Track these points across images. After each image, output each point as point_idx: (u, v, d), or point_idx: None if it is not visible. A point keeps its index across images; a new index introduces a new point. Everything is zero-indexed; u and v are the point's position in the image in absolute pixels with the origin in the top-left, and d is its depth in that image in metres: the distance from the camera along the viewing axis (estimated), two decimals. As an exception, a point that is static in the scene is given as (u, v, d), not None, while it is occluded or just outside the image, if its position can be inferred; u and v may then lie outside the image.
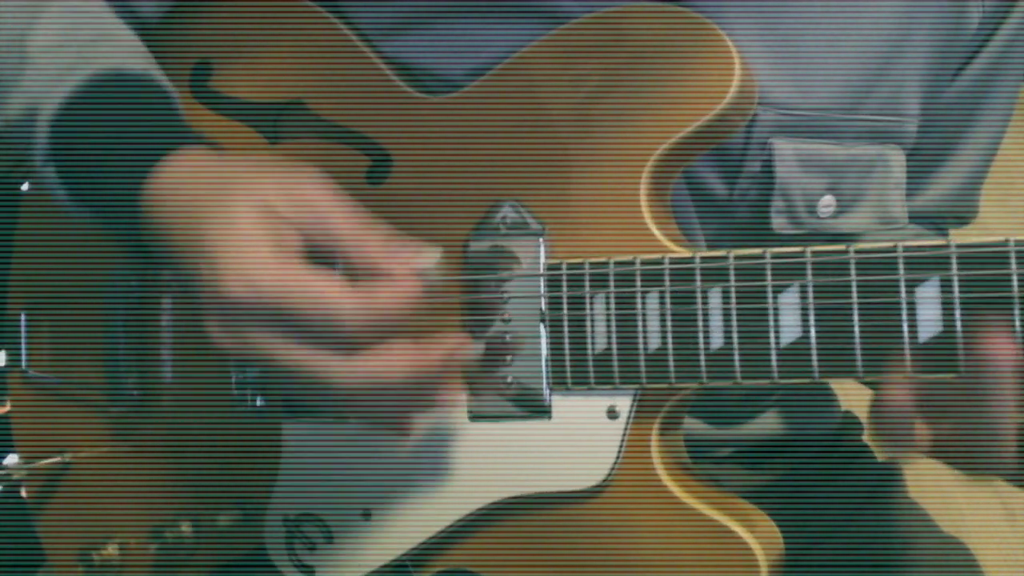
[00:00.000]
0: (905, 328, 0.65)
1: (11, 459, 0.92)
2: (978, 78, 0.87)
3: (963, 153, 0.91)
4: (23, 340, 0.94)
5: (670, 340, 0.71)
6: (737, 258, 0.69)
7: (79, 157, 0.76)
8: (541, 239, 0.75)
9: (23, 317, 0.94)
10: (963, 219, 0.97)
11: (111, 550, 0.89)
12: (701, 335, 0.70)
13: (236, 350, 0.68)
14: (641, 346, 0.72)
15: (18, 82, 0.77)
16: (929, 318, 0.65)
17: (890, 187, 0.85)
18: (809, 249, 0.68)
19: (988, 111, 0.89)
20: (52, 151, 0.76)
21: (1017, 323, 0.63)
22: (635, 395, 0.73)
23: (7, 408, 0.95)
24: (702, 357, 0.70)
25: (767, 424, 0.97)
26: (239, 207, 0.67)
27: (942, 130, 0.88)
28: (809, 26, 0.80)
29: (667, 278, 0.71)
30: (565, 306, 0.74)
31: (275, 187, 0.68)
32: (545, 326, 0.75)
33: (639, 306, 0.72)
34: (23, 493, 0.93)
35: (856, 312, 0.66)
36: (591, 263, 0.73)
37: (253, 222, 0.67)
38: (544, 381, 0.75)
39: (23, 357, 0.94)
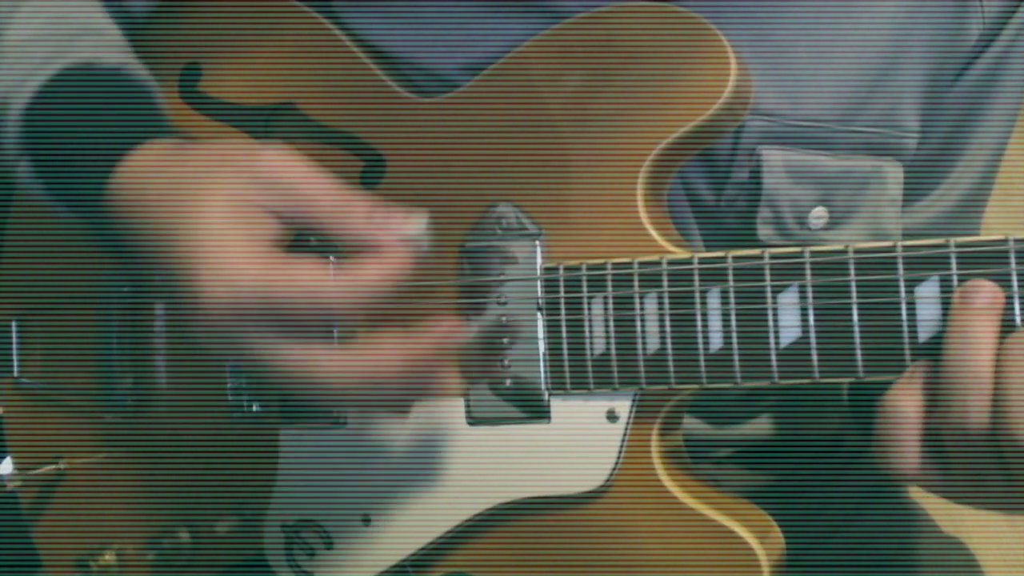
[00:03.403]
0: (905, 327, 0.65)
1: (5, 466, 0.92)
2: (973, 89, 0.85)
3: (962, 168, 0.89)
4: (14, 347, 0.93)
5: (669, 342, 0.71)
6: (735, 259, 0.69)
7: (51, 150, 0.74)
8: (537, 241, 0.75)
9: (14, 325, 0.93)
10: None
11: (108, 558, 0.88)
12: (700, 337, 0.70)
13: (224, 352, 0.65)
14: (640, 348, 0.71)
15: None
16: (929, 317, 0.65)
17: (884, 203, 0.83)
18: (808, 249, 0.67)
19: (985, 123, 0.87)
20: (25, 145, 0.75)
21: (1017, 320, 0.63)
22: (634, 397, 0.73)
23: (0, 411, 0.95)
24: (701, 359, 0.70)
25: (766, 424, 0.97)
26: (207, 200, 0.64)
27: (939, 142, 0.86)
28: (802, 34, 0.79)
29: (665, 280, 0.71)
30: (563, 308, 0.74)
31: (244, 172, 0.64)
32: (543, 329, 0.74)
33: (637, 308, 0.71)
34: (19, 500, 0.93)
35: (856, 312, 0.66)
36: (588, 265, 0.73)
37: (224, 215, 0.63)
38: (543, 384, 0.75)
39: (15, 364, 0.93)
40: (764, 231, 0.81)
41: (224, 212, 0.63)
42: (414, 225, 0.64)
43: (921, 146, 0.84)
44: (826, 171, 0.81)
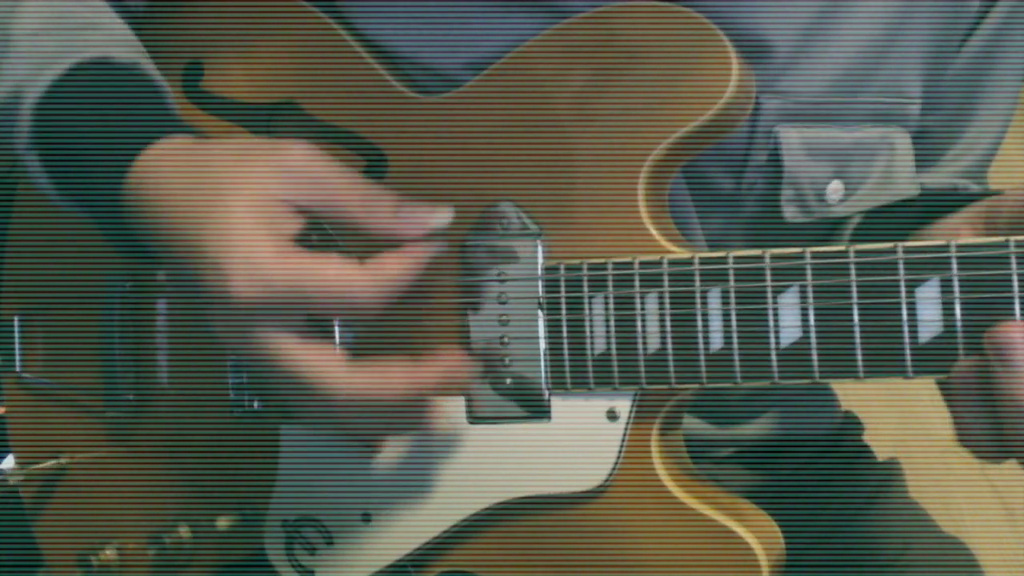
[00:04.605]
0: (905, 329, 0.65)
1: (7, 462, 0.92)
2: (979, 53, 0.86)
3: (972, 131, 0.90)
4: (17, 343, 0.93)
5: (669, 342, 0.71)
6: (736, 259, 0.69)
7: (63, 146, 0.74)
8: (539, 240, 0.75)
9: (16, 321, 0.93)
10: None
11: (109, 554, 0.88)
12: (701, 336, 0.70)
13: (240, 349, 0.66)
14: (640, 348, 0.71)
15: (2, 64, 0.75)
16: (929, 318, 0.65)
17: (897, 168, 0.84)
18: (809, 250, 0.67)
19: (993, 85, 0.88)
20: (35, 139, 0.74)
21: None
22: (635, 396, 0.73)
23: (2, 410, 0.95)
24: (702, 358, 0.70)
25: (767, 424, 0.97)
26: (231, 197, 0.65)
27: (948, 107, 0.87)
28: (813, 8, 0.79)
29: (666, 279, 0.71)
30: (563, 308, 0.74)
31: (268, 167, 0.66)
32: (543, 328, 0.74)
33: (638, 307, 0.71)
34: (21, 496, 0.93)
35: (856, 313, 0.66)
36: (589, 264, 0.73)
37: (250, 211, 0.64)
38: (543, 383, 0.75)
39: (17, 360, 0.93)
40: (789, 210, 0.82)
41: (250, 208, 0.64)
42: (440, 218, 0.68)
43: (929, 109, 0.85)
44: (839, 144, 0.81)
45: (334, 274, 0.64)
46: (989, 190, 0.93)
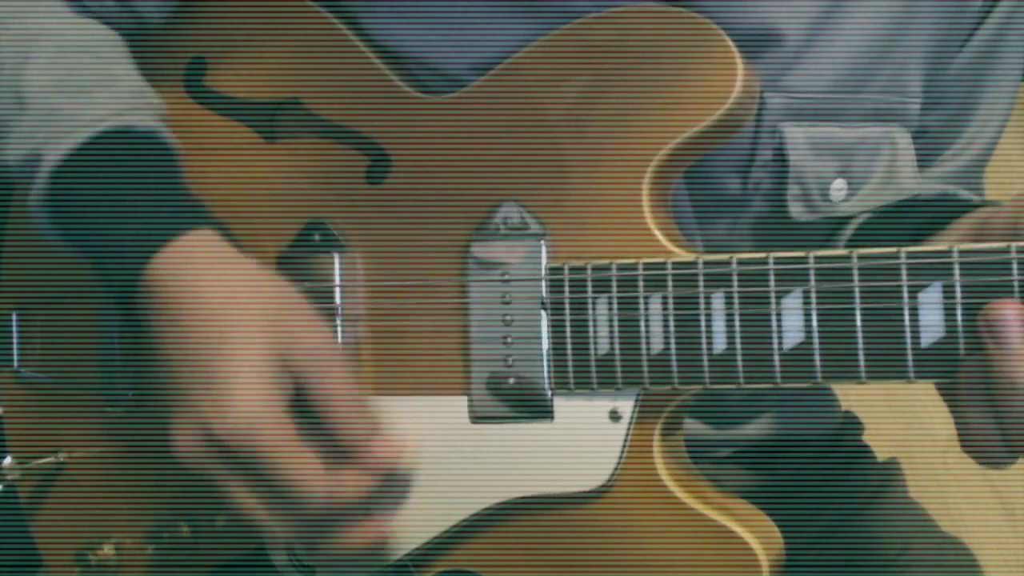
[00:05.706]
0: (907, 333, 0.65)
1: (6, 460, 0.91)
2: (980, 53, 0.86)
3: (969, 131, 0.90)
4: (15, 339, 0.93)
5: (673, 343, 0.71)
6: (740, 262, 0.69)
7: (77, 212, 0.76)
8: (542, 241, 0.75)
9: (14, 316, 0.93)
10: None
11: (107, 550, 0.88)
12: (704, 338, 0.70)
13: (194, 467, 0.70)
14: (644, 349, 0.72)
15: (17, 124, 0.77)
16: (931, 323, 0.65)
17: (899, 167, 0.84)
18: (812, 254, 0.68)
19: (992, 86, 0.89)
20: (49, 201, 0.76)
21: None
22: (637, 397, 0.73)
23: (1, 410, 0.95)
24: (705, 360, 0.70)
25: (767, 424, 0.97)
26: (246, 340, 0.68)
27: (947, 107, 0.88)
28: (818, 5, 0.79)
29: (670, 281, 0.71)
30: (567, 308, 0.74)
31: (286, 331, 0.69)
32: (547, 328, 0.74)
33: (642, 309, 0.72)
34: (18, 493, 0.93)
35: (859, 317, 0.66)
36: (593, 266, 0.73)
37: (257, 364, 0.67)
38: (546, 383, 0.75)
39: (15, 356, 0.93)
40: (795, 208, 0.82)
41: (258, 360, 0.68)
42: (400, 463, 0.74)
43: (930, 107, 0.86)
44: (843, 142, 0.82)
45: (295, 465, 0.68)
46: (984, 198, 0.93)
